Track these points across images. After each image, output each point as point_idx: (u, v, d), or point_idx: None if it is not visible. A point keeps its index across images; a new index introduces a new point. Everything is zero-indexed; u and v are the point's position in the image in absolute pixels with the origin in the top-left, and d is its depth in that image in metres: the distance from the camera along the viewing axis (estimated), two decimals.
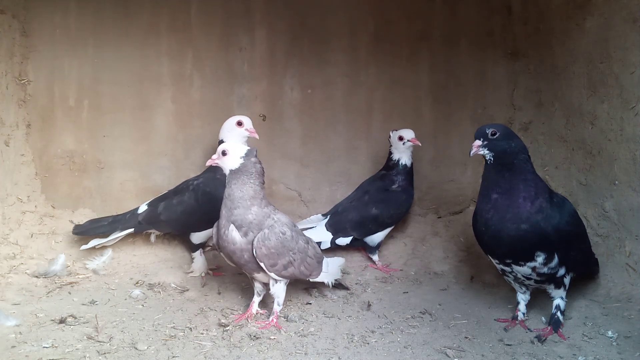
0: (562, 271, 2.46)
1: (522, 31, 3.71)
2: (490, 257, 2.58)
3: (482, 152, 2.44)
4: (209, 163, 2.53)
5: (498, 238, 2.42)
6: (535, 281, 2.50)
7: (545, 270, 2.42)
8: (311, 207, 3.82)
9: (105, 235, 3.25)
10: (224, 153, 2.49)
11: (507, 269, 2.51)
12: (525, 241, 2.37)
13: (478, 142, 2.43)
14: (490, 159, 2.44)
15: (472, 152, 2.45)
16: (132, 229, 3.23)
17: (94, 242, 3.23)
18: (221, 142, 3.23)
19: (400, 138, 3.41)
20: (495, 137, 2.41)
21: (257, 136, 3.14)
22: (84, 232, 3.27)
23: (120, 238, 3.29)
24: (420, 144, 3.42)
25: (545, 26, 3.44)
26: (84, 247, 3.22)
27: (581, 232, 2.62)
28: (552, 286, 2.51)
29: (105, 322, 2.54)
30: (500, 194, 2.40)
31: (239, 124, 3.14)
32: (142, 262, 3.36)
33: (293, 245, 2.56)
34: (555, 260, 2.41)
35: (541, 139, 3.49)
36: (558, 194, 2.56)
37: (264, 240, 2.45)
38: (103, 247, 3.29)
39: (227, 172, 2.50)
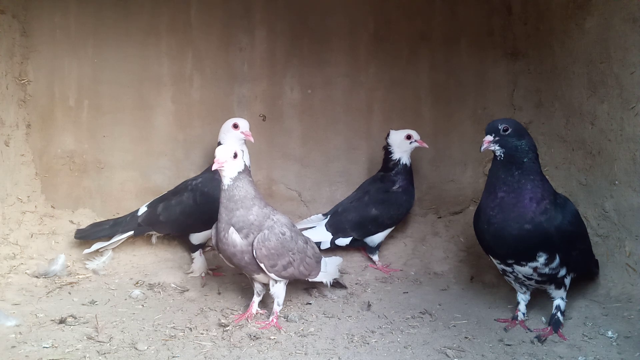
0: (563, 272, 2.46)
1: (522, 31, 3.71)
2: (491, 257, 2.58)
3: (492, 148, 2.39)
4: (216, 167, 2.41)
5: (500, 237, 2.40)
6: (536, 281, 2.50)
7: (546, 270, 2.42)
8: (311, 207, 3.82)
9: (107, 238, 3.26)
10: (235, 155, 2.43)
11: (508, 269, 2.51)
12: (527, 241, 2.36)
13: (489, 138, 2.37)
14: (501, 156, 2.38)
15: (482, 148, 2.39)
16: (132, 232, 3.24)
17: (96, 246, 3.24)
18: (219, 143, 3.24)
19: (408, 137, 3.40)
20: (507, 133, 2.35)
21: (252, 139, 3.14)
22: (86, 236, 3.27)
23: (122, 241, 3.30)
24: (427, 146, 3.42)
25: (545, 26, 3.44)
26: (87, 250, 3.23)
27: (583, 233, 2.62)
28: (552, 286, 2.50)
29: (105, 322, 2.54)
30: (507, 193, 2.37)
31: (235, 126, 3.17)
32: (142, 262, 3.37)
33: (292, 245, 2.56)
34: (557, 260, 2.41)
35: (541, 139, 3.49)
36: (561, 194, 2.55)
37: (264, 241, 2.45)
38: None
39: (234, 174, 2.45)
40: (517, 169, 2.36)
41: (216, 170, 3.14)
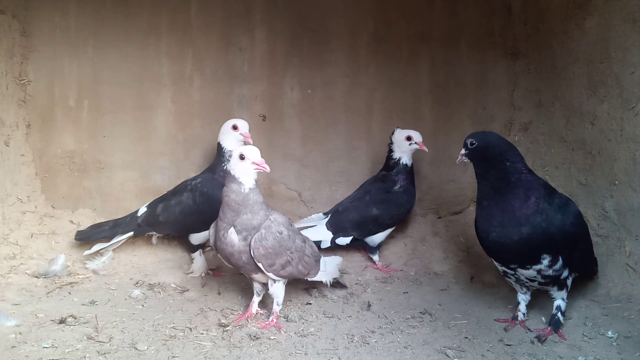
0: (565, 273, 2.46)
1: (522, 31, 3.72)
2: (492, 260, 2.58)
3: (465, 160, 2.59)
4: (264, 168, 2.46)
5: (502, 244, 2.41)
6: (539, 283, 2.49)
7: (550, 272, 2.42)
8: (311, 207, 3.82)
9: (107, 239, 3.25)
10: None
11: (511, 272, 2.51)
12: (529, 244, 2.36)
13: (462, 151, 2.58)
14: (474, 166, 2.55)
15: (457, 160, 2.61)
16: (132, 232, 3.24)
17: (97, 247, 3.23)
18: (219, 144, 3.24)
19: (409, 138, 3.39)
20: (473, 147, 2.53)
21: (251, 141, 3.14)
22: (86, 238, 3.27)
23: (122, 242, 3.29)
24: (427, 150, 3.41)
25: (545, 26, 3.44)
26: (87, 252, 3.23)
27: (585, 233, 2.62)
28: (555, 288, 2.50)
29: (105, 322, 2.54)
30: (490, 200, 2.44)
31: (234, 127, 3.20)
32: (142, 263, 3.36)
33: (290, 244, 2.56)
34: (560, 262, 2.41)
35: (541, 139, 3.49)
36: (562, 195, 2.55)
37: (261, 241, 2.45)
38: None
39: (255, 177, 2.48)
40: (493, 176, 2.45)
41: (216, 171, 3.21)
